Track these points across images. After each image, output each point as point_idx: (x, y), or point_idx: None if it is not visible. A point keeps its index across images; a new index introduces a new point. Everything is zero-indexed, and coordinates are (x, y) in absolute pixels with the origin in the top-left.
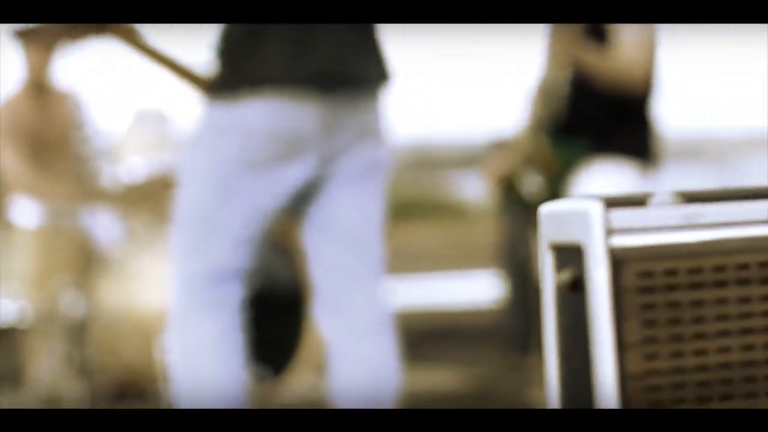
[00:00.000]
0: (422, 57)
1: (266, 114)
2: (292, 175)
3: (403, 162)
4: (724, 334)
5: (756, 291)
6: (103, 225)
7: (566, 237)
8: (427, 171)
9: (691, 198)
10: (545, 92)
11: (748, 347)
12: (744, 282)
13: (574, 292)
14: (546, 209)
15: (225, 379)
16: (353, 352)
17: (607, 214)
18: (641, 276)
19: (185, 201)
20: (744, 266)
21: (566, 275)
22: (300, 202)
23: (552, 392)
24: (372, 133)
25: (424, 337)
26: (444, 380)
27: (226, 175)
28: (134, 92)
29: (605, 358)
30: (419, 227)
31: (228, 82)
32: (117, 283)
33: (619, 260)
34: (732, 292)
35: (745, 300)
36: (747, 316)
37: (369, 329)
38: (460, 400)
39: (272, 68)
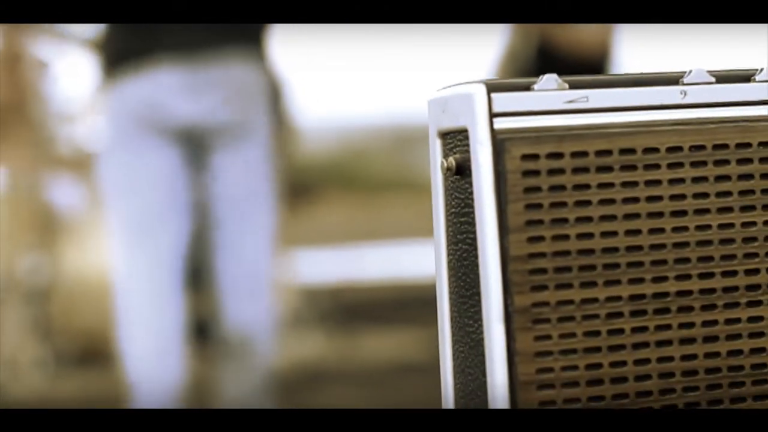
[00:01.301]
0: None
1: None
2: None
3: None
4: (610, 218)
5: (640, 176)
6: (65, 190)
7: (451, 122)
8: (402, 147)
9: (577, 83)
10: (510, 59)
11: (633, 231)
12: (629, 167)
13: (460, 177)
14: (432, 96)
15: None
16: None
17: (492, 97)
18: (525, 159)
19: None
20: (629, 150)
21: (452, 160)
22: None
23: (441, 276)
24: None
25: (397, 304)
26: (411, 345)
27: None
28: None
29: (489, 241)
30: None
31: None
32: (79, 247)
33: (502, 143)
34: (617, 177)
35: (629, 184)
36: (631, 200)
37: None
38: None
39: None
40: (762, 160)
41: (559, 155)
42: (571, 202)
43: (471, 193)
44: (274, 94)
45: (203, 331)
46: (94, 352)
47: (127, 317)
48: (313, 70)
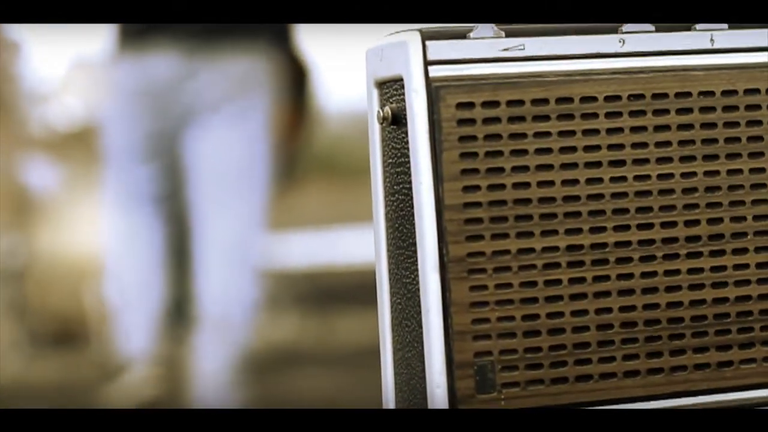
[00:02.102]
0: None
1: None
2: None
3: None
4: (546, 167)
5: (577, 125)
6: (40, 171)
7: (387, 71)
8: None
9: (514, 31)
10: None
11: (571, 181)
12: (566, 116)
13: (396, 127)
14: (370, 46)
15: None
16: None
17: (427, 45)
18: (460, 107)
19: None
20: (566, 99)
21: (388, 110)
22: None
23: (379, 228)
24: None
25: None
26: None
27: None
28: (72, 37)
29: (424, 190)
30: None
31: None
32: (54, 228)
33: (437, 91)
34: (553, 126)
35: (566, 133)
36: (569, 149)
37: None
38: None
39: None
40: (702, 109)
41: (494, 104)
42: (507, 151)
43: (407, 142)
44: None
45: (181, 309)
46: (70, 333)
47: (116, 291)
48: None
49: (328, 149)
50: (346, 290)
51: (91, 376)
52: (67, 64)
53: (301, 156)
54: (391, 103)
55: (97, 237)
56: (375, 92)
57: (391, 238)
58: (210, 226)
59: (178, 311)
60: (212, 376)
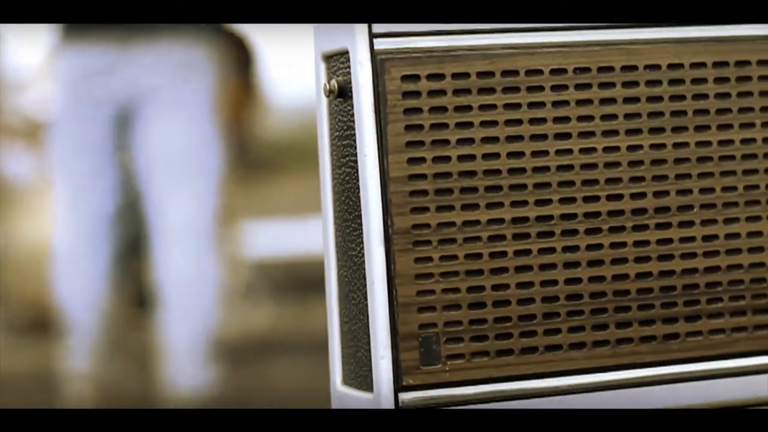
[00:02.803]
0: None
1: None
2: None
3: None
4: (492, 140)
5: (523, 98)
6: (16, 160)
7: (334, 45)
8: None
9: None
10: None
11: (516, 154)
12: (511, 89)
13: (343, 100)
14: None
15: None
16: None
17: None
18: (405, 80)
19: None
20: (511, 72)
21: (334, 83)
22: None
23: (326, 201)
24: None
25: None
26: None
27: None
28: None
29: (369, 162)
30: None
31: None
32: (31, 217)
33: (383, 64)
34: (499, 99)
35: (512, 106)
36: (514, 122)
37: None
38: None
39: None
40: (648, 83)
41: (440, 76)
42: (453, 124)
43: (353, 115)
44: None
45: (144, 298)
46: (47, 321)
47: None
48: (270, 46)
49: (299, 139)
50: (322, 279)
51: (66, 365)
52: (43, 53)
53: (253, 140)
54: (338, 76)
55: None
56: (322, 66)
57: (338, 211)
58: (165, 213)
59: (142, 298)
60: (180, 363)
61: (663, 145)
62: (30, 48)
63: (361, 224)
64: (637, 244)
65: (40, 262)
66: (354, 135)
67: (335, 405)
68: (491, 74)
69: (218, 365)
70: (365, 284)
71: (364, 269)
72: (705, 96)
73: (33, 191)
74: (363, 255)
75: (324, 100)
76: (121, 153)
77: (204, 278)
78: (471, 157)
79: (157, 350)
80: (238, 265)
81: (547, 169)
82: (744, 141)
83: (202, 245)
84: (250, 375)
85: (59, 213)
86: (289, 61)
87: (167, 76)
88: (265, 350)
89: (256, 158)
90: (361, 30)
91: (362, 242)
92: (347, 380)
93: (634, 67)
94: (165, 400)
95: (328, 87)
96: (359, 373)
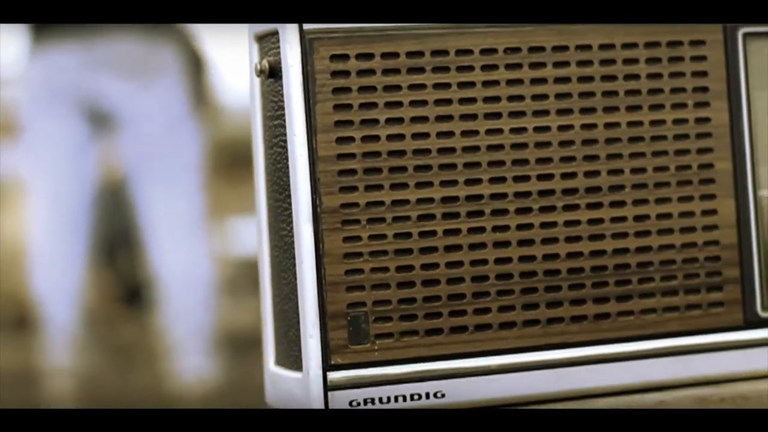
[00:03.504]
0: None
1: None
2: None
3: None
4: (422, 119)
5: (453, 77)
6: None
7: (265, 25)
8: None
9: None
10: None
11: (446, 133)
12: (441, 69)
13: (274, 80)
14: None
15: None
16: None
17: None
18: (334, 59)
19: None
20: (441, 52)
21: (265, 63)
22: None
23: (259, 182)
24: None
25: None
26: None
27: None
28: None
29: (298, 141)
30: None
31: None
32: (12, 213)
33: (311, 43)
34: (428, 78)
35: (442, 86)
36: (444, 101)
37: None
38: None
39: None
40: (579, 63)
41: (369, 56)
42: (382, 103)
43: (283, 95)
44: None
45: (137, 294)
46: (26, 317)
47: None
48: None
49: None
50: None
51: (51, 361)
52: (19, 48)
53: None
54: (269, 56)
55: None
56: (255, 46)
57: (270, 191)
58: (150, 209)
59: (134, 294)
60: (167, 358)
61: (594, 125)
62: (5, 44)
63: (291, 204)
64: (567, 224)
65: (19, 258)
66: (284, 115)
67: (267, 386)
68: (421, 54)
69: (206, 360)
70: (295, 264)
71: (294, 249)
72: (636, 76)
73: (12, 187)
74: (293, 234)
75: (256, 80)
76: (101, 150)
77: (191, 274)
78: (400, 137)
79: (143, 345)
80: (223, 261)
81: (477, 148)
82: (676, 121)
83: (189, 241)
84: (237, 370)
85: (37, 209)
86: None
87: (141, 73)
88: (253, 346)
89: (234, 157)
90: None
91: (292, 222)
92: (279, 360)
93: (565, 48)
94: (148, 396)
95: (258, 67)
96: (290, 353)
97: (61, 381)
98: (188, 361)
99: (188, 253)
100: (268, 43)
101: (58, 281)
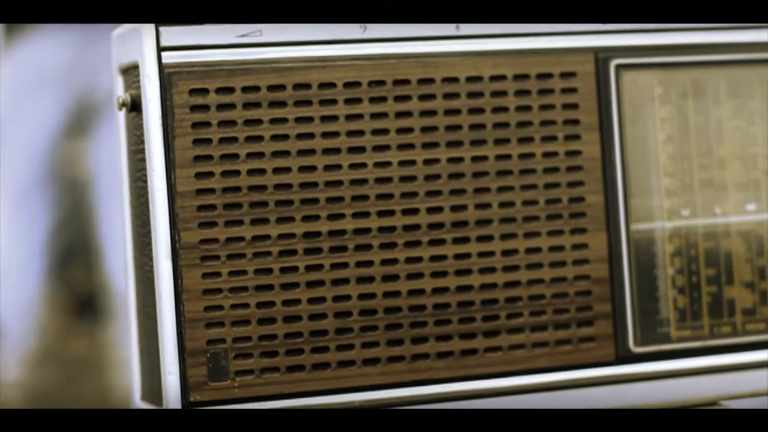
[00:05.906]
0: None
1: None
2: None
3: None
4: (283, 154)
5: (315, 111)
6: None
7: (127, 58)
8: None
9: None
10: None
11: (308, 168)
12: (303, 102)
13: (137, 114)
14: (116, 31)
15: None
16: None
17: (160, 30)
18: (194, 93)
19: None
20: (303, 85)
21: (127, 96)
22: None
23: (125, 216)
24: None
25: None
26: None
27: None
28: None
29: (157, 176)
30: None
31: None
32: None
33: (170, 77)
34: (290, 112)
35: (304, 120)
36: (306, 136)
37: None
38: None
39: None
40: (446, 95)
41: (229, 90)
42: (242, 138)
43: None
44: None
45: (92, 305)
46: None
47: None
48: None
49: None
50: None
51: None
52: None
53: None
54: (132, 89)
55: None
56: (120, 79)
57: (134, 225)
58: (109, 222)
59: (89, 305)
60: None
61: (461, 159)
62: None
63: (152, 239)
64: (433, 258)
65: None
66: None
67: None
68: (282, 87)
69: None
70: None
71: (155, 284)
72: (505, 109)
73: None
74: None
75: (122, 113)
76: (67, 160)
77: None
78: (261, 172)
79: (96, 358)
80: None
81: (340, 183)
82: (546, 155)
83: None
84: None
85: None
86: None
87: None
88: None
89: None
90: (149, 43)
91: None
92: (145, 395)
93: (431, 80)
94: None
95: (120, 100)
96: (153, 389)
97: (10, 392)
98: (133, 376)
99: None
100: (131, 76)
101: (14, 293)
